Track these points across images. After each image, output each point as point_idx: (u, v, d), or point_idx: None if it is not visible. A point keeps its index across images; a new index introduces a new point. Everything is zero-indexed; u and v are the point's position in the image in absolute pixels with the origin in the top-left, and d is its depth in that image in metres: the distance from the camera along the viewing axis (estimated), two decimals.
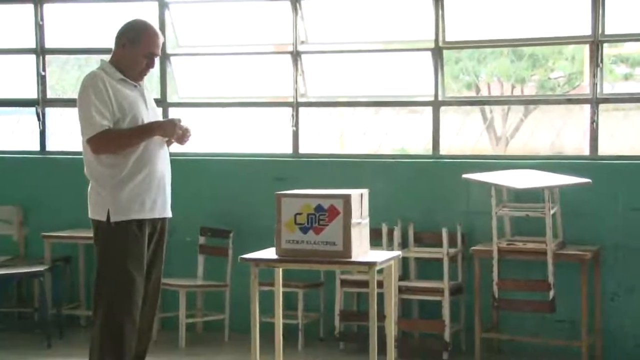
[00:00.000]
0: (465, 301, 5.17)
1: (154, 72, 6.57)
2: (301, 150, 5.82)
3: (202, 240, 5.71)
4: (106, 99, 3.58)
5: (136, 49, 3.67)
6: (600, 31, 5.08)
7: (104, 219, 3.61)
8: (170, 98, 6.14)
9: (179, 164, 5.91)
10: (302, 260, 3.85)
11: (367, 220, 4.14)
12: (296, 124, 5.80)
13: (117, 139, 3.59)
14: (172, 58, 6.09)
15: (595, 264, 4.94)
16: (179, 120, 3.70)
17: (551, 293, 4.69)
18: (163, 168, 3.74)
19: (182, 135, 3.72)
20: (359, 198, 4.09)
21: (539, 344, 4.99)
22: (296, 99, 5.80)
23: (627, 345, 4.85)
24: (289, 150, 5.83)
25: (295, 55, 5.80)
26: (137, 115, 3.66)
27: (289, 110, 5.81)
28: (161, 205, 3.73)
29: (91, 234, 3.73)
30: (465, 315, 5.16)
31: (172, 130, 3.67)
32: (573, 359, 4.78)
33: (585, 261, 4.75)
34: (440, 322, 4.97)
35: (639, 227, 4.93)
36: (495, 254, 4.80)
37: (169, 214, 3.80)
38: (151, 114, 3.75)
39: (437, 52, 5.48)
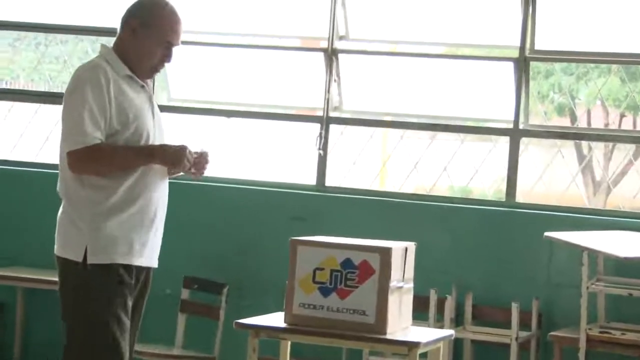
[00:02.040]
0: None
1: None
2: (328, 183, 5.87)
3: (185, 294, 5.75)
4: (106, 102, 3.49)
5: (150, 36, 3.57)
6: None
7: (77, 258, 3.49)
8: (158, 99, 6.23)
9: None
10: (319, 332, 3.87)
11: (411, 285, 4.16)
12: (324, 146, 5.85)
13: (108, 160, 3.52)
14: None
15: None
16: (190, 151, 3.60)
17: None
18: (159, 203, 3.68)
19: (196, 167, 3.66)
20: (402, 253, 4.11)
21: None
22: (326, 113, 5.86)
23: None
24: (312, 180, 5.88)
25: (330, 54, 5.87)
26: (142, 127, 3.58)
27: (316, 127, 5.88)
28: (150, 250, 3.65)
29: (35, 275, 3.78)
30: None
31: (178, 160, 3.59)
32: None
33: None
34: None
35: None
36: (582, 344, 4.80)
37: (156, 263, 3.73)
38: (157, 127, 3.68)
39: (523, 64, 5.53)
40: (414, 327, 4.25)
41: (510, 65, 5.57)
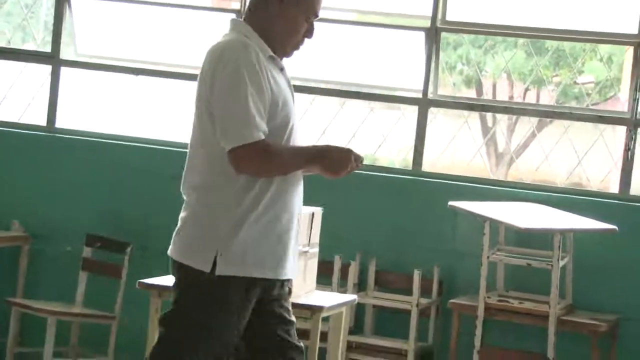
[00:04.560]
0: None
1: (42, 17, 6.56)
2: None
3: (87, 252, 5.69)
4: (264, 88, 3.01)
5: (298, 9, 3.10)
6: None
7: (205, 268, 3.01)
8: (64, 54, 6.11)
9: (63, 143, 5.99)
10: None
11: (316, 250, 4.19)
12: None
13: (277, 161, 3.03)
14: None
15: (612, 339, 5.04)
16: (355, 156, 3.12)
17: None
18: (297, 208, 3.18)
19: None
20: (309, 219, 4.14)
21: None
22: None
23: None
24: None
25: (242, 15, 5.82)
26: (288, 116, 3.11)
27: None
28: (292, 261, 3.15)
29: None
30: None
31: (343, 166, 3.09)
32: None
33: (599, 334, 4.86)
34: None
35: None
36: (481, 312, 4.87)
37: (295, 274, 3.20)
38: (297, 115, 3.22)
39: (433, 34, 5.58)
40: (318, 291, 4.30)
41: (421, 35, 5.61)
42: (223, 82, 3.00)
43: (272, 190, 3.05)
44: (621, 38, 5.40)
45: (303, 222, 4.00)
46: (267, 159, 3.01)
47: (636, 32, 5.27)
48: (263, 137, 2.99)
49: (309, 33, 3.17)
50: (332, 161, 3.09)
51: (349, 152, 3.11)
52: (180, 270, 3.07)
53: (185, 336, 3.02)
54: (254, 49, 3.03)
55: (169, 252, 3.12)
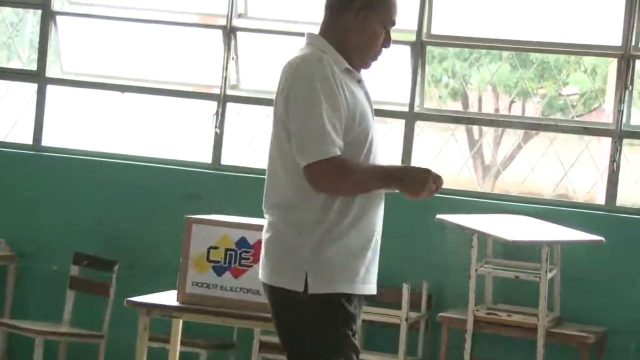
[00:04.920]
0: None
1: (27, 35, 6.56)
2: (224, 161, 5.85)
3: (74, 270, 5.68)
4: (339, 103, 2.94)
5: (375, 18, 3.02)
6: (633, 43, 5.28)
7: (297, 288, 2.96)
8: (50, 72, 6.11)
9: (51, 161, 5.98)
10: (212, 311, 3.88)
11: None
12: (221, 125, 5.83)
13: (353, 179, 2.96)
14: (58, 17, 6.07)
15: (599, 351, 5.07)
16: (435, 175, 3.02)
17: None
18: (379, 224, 3.13)
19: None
20: None
21: None
22: (224, 91, 5.83)
23: None
24: (207, 159, 5.86)
25: (229, 32, 5.84)
26: (367, 130, 3.03)
27: (213, 105, 5.84)
28: (374, 276, 3.11)
29: None
30: None
31: (422, 187, 3.00)
32: None
33: (587, 346, 4.87)
34: None
35: None
36: (470, 325, 4.89)
37: (375, 289, 3.17)
38: (376, 129, 3.15)
39: (419, 48, 5.60)
40: None
41: (406, 49, 5.63)
42: (298, 97, 2.94)
43: (354, 206, 3.00)
44: (605, 50, 5.44)
45: None
46: (342, 175, 2.95)
47: (620, 44, 5.31)
48: (339, 152, 2.92)
49: (386, 42, 3.08)
50: (411, 182, 3.02)
51: (427, 172, 3.02)
52: (274, 293, 3.02)
53: (309, 355, 3.00)
54: (328, 62, 2.96)
55: (260, 277, 3.07)
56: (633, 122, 5.37)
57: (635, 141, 5.46)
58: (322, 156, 2.90)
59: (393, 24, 3.06)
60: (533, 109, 6.27)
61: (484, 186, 6.05)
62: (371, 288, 3.08)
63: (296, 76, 2.96)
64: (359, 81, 3.07)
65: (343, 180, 2.94)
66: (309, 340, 2.97)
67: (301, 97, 2.93)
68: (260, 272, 3.06)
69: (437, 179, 3.01)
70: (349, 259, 2.98)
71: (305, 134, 2.92)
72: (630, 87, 5.28)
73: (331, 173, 2.92)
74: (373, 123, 3.06)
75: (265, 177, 3.06)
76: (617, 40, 5.32)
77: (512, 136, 6.06)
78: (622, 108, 5.28)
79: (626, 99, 5.29)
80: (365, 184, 2.99)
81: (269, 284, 3.02)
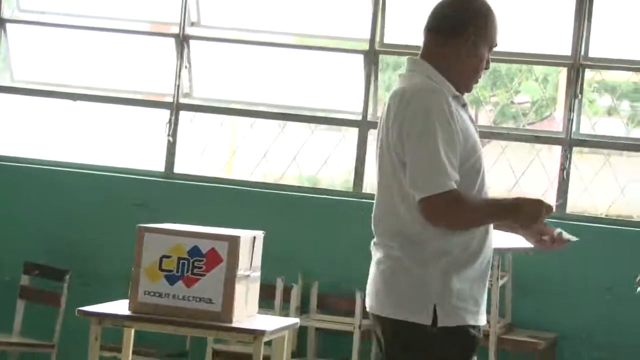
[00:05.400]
0: None
1: None
2: (177, 170, 5.86)
3: (25, 280, 5.64)
4: (455, 138, 2.89)
5: (483, 43, 2.98)
6: (582, 53, 5.37)
7: (425, 321, 2.88)
8: (0, 80, 6.07)
9: (1, 170, 5.94)
10: (164, 320, 3.87)
11: (258, 274, 4.20)
12: (173, 133, 5.83)
13: (468, 212, 2.93)
14: (8, 25, 6.05)
15: (551, 356, 5.12)
16: (548, 206, 3.00)
17: None
18: (491, 252, 3.09)
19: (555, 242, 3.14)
20: (250, 242, 4.15)
21: None
22: (176, 99, 5.84)
23: None
24: (160, 167, 5.86)
25: (182, 40, 5.85)
26: (480, 159, 2.99)
27: (165, 114, 5.85)
28: (485, 304, 3.07)
29: None
30: None
31: (537, 219, 3.00)
32: None
33: (538, 352, 4.94)
34: None
35: (612, 312, 5.13)
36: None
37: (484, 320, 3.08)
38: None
39: (372, 57, 5.65)
40: (260, 315, 4.30)
41: (360, 58, 5.68)
42: (414, 131, 2.89)
43: (475, 237, 2.96)
44: (555, 59, 5.53)
45: (243, 246, 4.03)
46: (458, 209, 2.89)
47: (569, 53, 5.39)
48: (455, 186, 2.87)
49: (487, 64, 3.05)
50: (527, 215, 2.99)
51: (541, 204, 2.99)
52: (396, 326, 2.93)
53: None
54: (442, 93, 2.92)
55: (372, 309, 2.99)
56: (582, 130, 5.46)
57: (585, 149, 5.54)
58: (438, 190, 2.85)
59: (496, 45, 3.04)
60: (486, 117, 6.34)
61: None
62: (485, 319, 3.04)
63: (411, 108, 2.89)
64: (464, 105, 3.01)
65: (459, 215, 2.90)
66: None
67: (417, 131, 2.87)
68: (374, 305, 2.98)
69: (549, 209, 3.00)
70: (472, 290, 2.95)
71: (421, 167, 2.87)
72: (580, 95, 5.37)
73: (447, 207, 2.87)
74: (483, 154, 3.02)
75: (375, 205, 3.01)
76: (566, 50, 5.41)
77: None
78: (571, 117, 5.37)
79: (576, 107, 5.38)
80: (481, 219, 2.96)
81: (391, 317, 2.92)
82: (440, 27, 2.98)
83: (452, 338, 2.89)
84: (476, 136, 2.99)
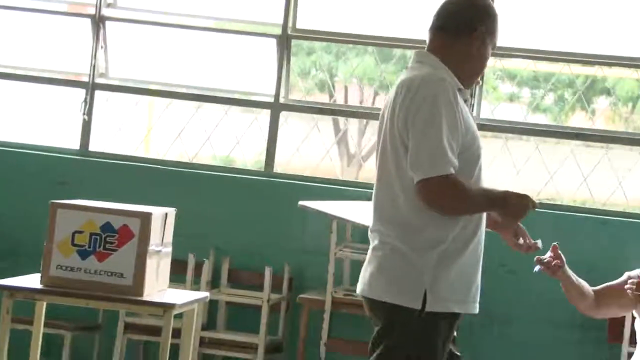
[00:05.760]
0: None
1: None
2: (92, 147, 5.80)
3: None
4: (458, 126, 2.93)
5: (490, 42, 3.06)
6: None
7: (415, 305, 2.94)
8: None
9: None
10: (76, 294, 3.84)
11: (169, 250, 4.20)
12: (89, 112, 5.77)
13: (463, 199, 2.94)
14: None
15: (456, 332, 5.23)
16: (534, 203, 3.06)
17: None
18: (483, 241, 3.11)
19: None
20: (162, 218, 4.14)
21: None
22: (92, 79, 5.77)
23: None
24: (75, 145, 5.80)
25: (98, 21, 5.78)
26: (479, 149, 3.04)
27: (81, 93, 5.78)
28: (479, 295, 3.09)
29: None
30: None
31: (523, 213, 3.03)
32: None
33: None
34: None
35: (508, 291, 5.22)
36: (328, 306, 5.00)
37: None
38: None
39: (284, 41, 5.67)
40: (171, 289, 4.29)
41: (272, 42, 5.69)
42: (419, 116, 2.91)
43: (469, 227, 3.00)
44: None
45: (155, 222, 4.02)
46: (454, 193, 2.92)
47: None
48: (453, 171, 2.90)
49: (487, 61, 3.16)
50: (515, 208, 3.03)
51: (528, 199, 3.03)
52: (387, 309, 2.97)
53: None
54: (450, 83, 2.96)
55: (363, 292, 3.03)
56: (483, 115, 5.57)
57: (488, 133, 5.65)
58: (437, 172, 2.87)
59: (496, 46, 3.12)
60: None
61: (348, 174, 6.17)
62: (476, 307, 3.06)
63: (419, 95, 2.92)
64: (465, 100, 3.05)
65: (454, 199, 2.92)
66: (420, 353, 2.95)
67: (423, 117, 2.90)
68: (366, 288, 3.01)
69: (534, 205, 3.04)
70: (463, 279, 2.97)
71: (423, 150, 2.89)
72: (481, 81, 5.45)
73: (444, 190, 2.90)
74: (481, 144, 3.05)
75: (374, 194, 3.04)
76: None
77: (376, 127, 6.18)
78: (473, 102, 5.47)
79: (476, 93, 5.48)
80: (473, 207, 2.98)
81: (382, 300, 2.96)
82: (452, 26, 3.03)
83: (437, 323, 2.94)
84: (475, 128, 3.02)
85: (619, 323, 4.80)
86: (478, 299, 3.05)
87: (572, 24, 5.57)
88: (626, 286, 3.64)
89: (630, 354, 4.17)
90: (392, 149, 2.97)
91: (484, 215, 3.05)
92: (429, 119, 2.90)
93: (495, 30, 3.08)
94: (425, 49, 3.06)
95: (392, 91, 3.04)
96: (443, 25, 3.05)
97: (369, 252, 3.06)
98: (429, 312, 2.93)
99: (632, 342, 4.17)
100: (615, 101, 6.09)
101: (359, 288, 3.06)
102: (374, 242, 3.05)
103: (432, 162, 2.88)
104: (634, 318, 3.92)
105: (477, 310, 3.06)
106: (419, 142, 2.90)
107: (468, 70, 3.05)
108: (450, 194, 2.91)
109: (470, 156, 2.98)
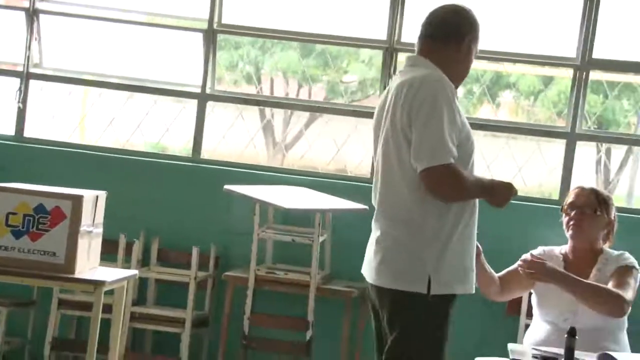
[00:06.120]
0: (210, 336, 5.43)
1: None
2: (27, 134, 5.81)
3: None
4: (457, 119, 3.13)
5: (475, 48, 3.29)
6: (396, 38, 5.59)
7: (422, 290, 3.09)
8: None
9: None
10: (10, 272, 3.89)
11: (100, 230, 4.26)
12: (24, 100, 5.78)
13: (462, 187, 3.12)
14: None
15: (361, 304, 5.30)
16: (516, 190, 3.30)
17: (308, 333, 5.07)
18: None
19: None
20: (93, 201, 4.20)
21: None
22: (27, 69, 5.78)
23: None
24: (11, 132, 5.80)
25: (32, 14, 5.78)
26: (473, 148, 3.23)
27: (16, 82, 5.79)
28: (473, 275, 3.27)
29: None
30: (208, 353, 5.42)
31: (507, 200, 3.28)
32: None
33: (351, 300, 5.15)
34: (175, 359, 5.19)
35: None
36: (251, 283, 5.09)
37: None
38: None
39: (211, 35, 5.74)
40: (102, 267, 4.35)
41: (200, 36, 5.76)
42: (422, 112, 3.06)
43: (465, 214, 3.15)
44: (373, 43, 5.74)
45: (86, 204, 4.08)
46: (454, 181, 3.07)
47: (385, 38, 5.62)
48: (453, 161, 3.06)
49: None
50: (501, 196, 3.24)
51: (511, 187, 3.26)
52: (394, 295, 3.12)
53: (424, 353, 3.12)
54: (448, 83, 3.13)
55: (373, 281, 3.17)
56: None
57: None
58: (440, 162, 3.03)
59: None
60: (319, 93, 6.51)
61: (273, 161, 6.25)
62: (473, 287, 3.24)
63: (421, 93, 3.08)
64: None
65: (454, 186, 3.08)
66: (428, 334, 3.12)
67: (426, 112, 3.05)
68: (374, 276, 3.18)
69: (516, 193, 3.28)
70: (461, 263, 3.14)
71: (425, 142, 3.04)
72: (394, 75, 5.59)
73: (447, 178, 3.05)
74: (474, 139, 3.22)
75: (379, 184, 3.16)
76: (382, 35, 5.63)
77: (300, 117, 6.29)
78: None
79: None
80: (469, 194, 3.15)
81: (390, 288, 3.12)
82: (441, 34, 3.22)
83: (442, 304, 3.11)
84: (469, 126, 3.21)
85: (517, 297, 4.99)
86: (474, 280, 3.24)
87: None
88: (518, 265, 3.83)
89: (527, 326, 4.31)
90: (394, 145, 3.12)
91: (477, 202, 3.23)
92: (431, 113, 3.05)
93: (478, 37, 3.29)
94: (416, 53, 3.26)
95: (389, 93, 3.20)
96: (433, 33, 3.24)
97: (373, 242, 3.24)
98: (434, 295, 3.08)
99: (529, 314, 4.34)
100: (517, 95, 6.28)
101: (369, 276, 3.24)
102: (376, 232, 3.22)
103: (434, 152, 3.04)
104: (530, 293, 4.11)
105: (474, 290, 3.25)
106: (422, 135, 3.05)
107: (456, 74, 3.23)
108: (451, 182, 3.07)
109: (465, 152, 3.15)
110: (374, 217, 3.24)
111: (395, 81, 3.22)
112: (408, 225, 3.11)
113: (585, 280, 3.83)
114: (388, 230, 3.15)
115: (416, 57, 3.25)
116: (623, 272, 3.90)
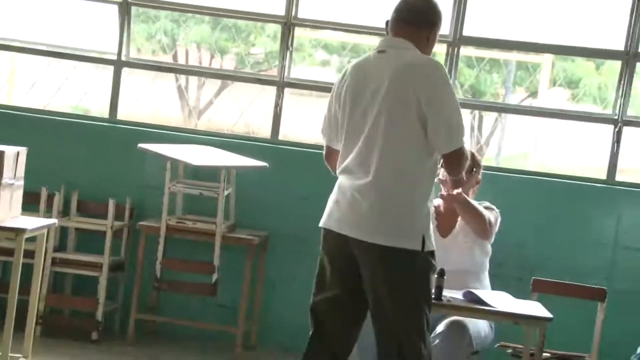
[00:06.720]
0: (126, 279, 5.55)
1: None
2: None
3: None
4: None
5: (437, 35, 3.45)
6: (293, 14, 5.72)
7: (418, 247, 3.24)
8: None
9: None
10: None
11: (21, 183, 4.34)
12: None
13: (465, 163, 3.38)
14: None
15: (262, 250, 5.54)
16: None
17: (214, 276, 5.24)
18: None
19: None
20: (14, 156, 4.28)
21: (195, 328, 5.52)
22: None
23: (283, 335, 5.49)
24: None
25: None
26: None
27: None
28: None
29: None
30: (123, 295, 5.54)
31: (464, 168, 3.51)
32: (228, 345, 5.39)
33: (253, 247, 5.31)
34: (93, 299, 5.30)
35: (305, 216, 5.54)
36: (162, 231, 5.22)
37: None
38: None
39: (125, 8, 5.80)
40: (24, 216, 4.42)
41: (114, 8, 5.82)
42: (439, 96, 3.21)
43: (433, 179, 3.33)
44: (272, 18, 5.85)
45: (8, 159, 4.16)
46: (466, 161, 3.34)
47: (282, 14, 5.75)
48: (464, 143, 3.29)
49: None
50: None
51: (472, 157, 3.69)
52: (396, 253, 3.21)
53: (425, 303, 3.28)
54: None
55: (372, 240, 3.21)
56: (293, 75, 5.87)
57: (295, 90, 5.94)
58: (460, 144, 3.24)
59: None
60: (229, 64, 6.61)
61: (187, 124, 6.35)
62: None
63: (438, 74, 3.24)
64: None
65: (465, 165, 3.34)
66: (423, 286, 3.28)
67: (443, 97, 3.22)
68: (373, 236, 3.21)
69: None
70: (430, 222, 3.32)
71: (452, 126, 3.21)
72: (291, 47, 5.76)
73: (464, 159, 3.30)
74: None
75: (356, 151, 3.23)
76: (281, 10, 5.74)
77: (213, 84, 6.41)
78: (284, 64, 5.76)
79: (287, 57, 5.77)
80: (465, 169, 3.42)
81: (388, 245, 3.20)
82: (418, 20, 3.34)
83: (430, 259, 3.29)
84: None
85: None
86: None
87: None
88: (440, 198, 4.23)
89: None
90: (403, 119, 3.20)
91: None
92: (449, 99, 3.23)
93: (441, 25, 3.43)
94: (392, 35, 3.34)
95: (384, 71, 3.23)
96: (411, 19, 3.34)
97: (361, 200, 3.24)
98: (427, 251, 3.26)
99: None
100: None
101: (354, 232, 3.25)
102: (368, 193, 3.23)
103: (459, 136, 3.24)
104: None
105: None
106: (447, 120, 3.21)
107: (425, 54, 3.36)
108: (464, 162, 3.33)
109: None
110: (351, 176, 3.28)
111: (381, 59, 3.28)
112: (412, 189, 3.24)
113: (480, 207, 4.37)
114: (387, 193, 3.23)
115: (396, 38, 3.33)
116: (486, 209, 4.45)
